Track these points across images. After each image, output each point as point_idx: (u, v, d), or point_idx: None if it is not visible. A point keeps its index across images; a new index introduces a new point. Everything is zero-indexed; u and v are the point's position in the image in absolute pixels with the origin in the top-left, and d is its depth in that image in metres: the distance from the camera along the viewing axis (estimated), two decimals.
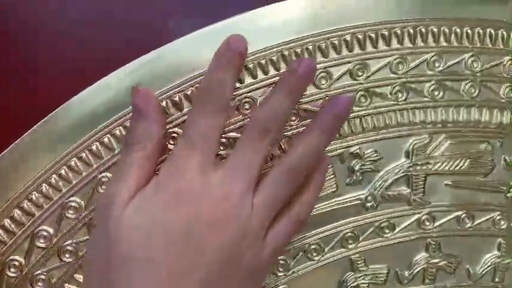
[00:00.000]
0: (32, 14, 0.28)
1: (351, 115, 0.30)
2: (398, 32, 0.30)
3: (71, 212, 0.28)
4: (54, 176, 0.28)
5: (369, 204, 0.31)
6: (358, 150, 0.30)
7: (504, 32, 0.32)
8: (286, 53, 0.29)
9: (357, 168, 0.31)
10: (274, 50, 0.29)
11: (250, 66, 0.28)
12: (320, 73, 0.29)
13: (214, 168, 0.25)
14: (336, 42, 0.29)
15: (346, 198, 0.31)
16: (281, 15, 0.29)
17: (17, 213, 0.28)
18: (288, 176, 0.26)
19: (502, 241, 0.33)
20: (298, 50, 0.29)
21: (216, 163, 0.25)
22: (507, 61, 0.32)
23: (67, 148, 0.28)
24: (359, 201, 0.31)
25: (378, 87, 0.30)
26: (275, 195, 0.26)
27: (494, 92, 0.32)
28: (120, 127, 0.28)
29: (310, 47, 0.29)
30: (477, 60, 0.31)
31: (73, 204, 0.28)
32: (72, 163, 0.28)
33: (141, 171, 0.25)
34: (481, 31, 0.31)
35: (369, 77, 0.30)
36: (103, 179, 0.28)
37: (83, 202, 0.28)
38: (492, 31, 0.31)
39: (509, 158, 0.33)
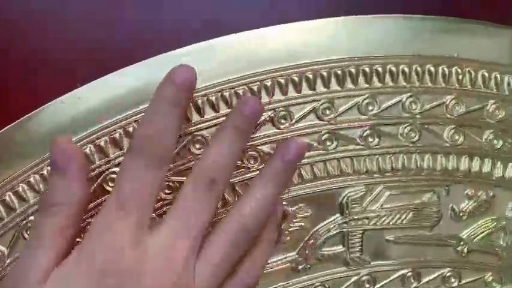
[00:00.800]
0: (32, 13, 0.27)
1: None
2: (325, 74, 0.27)
3: None
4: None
5: (300, 267, 0.28)
6: (284, 207, 0.27)
7: (445, 69, 0.29)
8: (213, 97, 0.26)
9: (283, 226, 0.27)
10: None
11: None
12: None
13: (149, 231, 0.21)
14: (255, 87, 0.26)
15: (272, 261, 0.28)
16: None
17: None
18: (237, 238, 0.23)
19: None
20: (226, 94, 0.26)
21: (152, 225, 0.22)
22: (450, 100, 0.29)
23: None
24: (288, 264, 0.28)
25: (304, 135, 0.27)
26: (222, 261, 0.22)
27: (437, 135, 0.29)
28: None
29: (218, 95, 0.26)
30: (416, 101, 0.28)
31: None
32: None
33: (59, 239, 0.21)
34: (419, 68, 0.28)
35: (293, 124, 0.27)
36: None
37: None
38: (432, 68, 0.29)
39: (458, 208, 0.29)
